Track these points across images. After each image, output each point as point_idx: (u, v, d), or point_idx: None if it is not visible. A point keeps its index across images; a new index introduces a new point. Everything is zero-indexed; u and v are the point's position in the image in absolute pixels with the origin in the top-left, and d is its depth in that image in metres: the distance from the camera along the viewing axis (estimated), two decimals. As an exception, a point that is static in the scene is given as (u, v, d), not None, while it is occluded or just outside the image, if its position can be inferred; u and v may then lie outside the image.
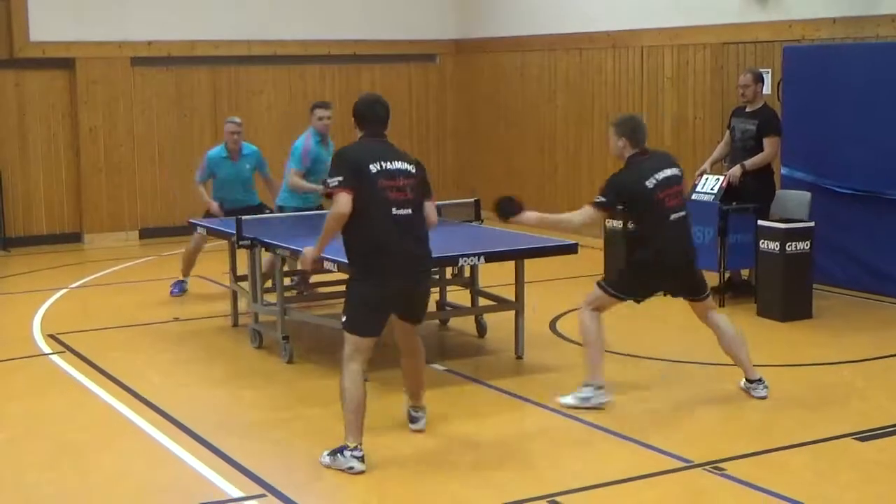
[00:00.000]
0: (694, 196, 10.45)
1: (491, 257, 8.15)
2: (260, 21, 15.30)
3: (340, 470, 6.23)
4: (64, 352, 8.99)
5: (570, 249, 8.55)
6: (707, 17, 12.78)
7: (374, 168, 6.20)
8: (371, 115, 6.45)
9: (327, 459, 6.32)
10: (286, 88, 15.51)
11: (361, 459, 6.22)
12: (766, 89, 11.34)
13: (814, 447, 6.54)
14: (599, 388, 7.30)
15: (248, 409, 7.57)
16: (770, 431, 6.84)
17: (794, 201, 10.15)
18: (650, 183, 7.19)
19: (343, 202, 6.12)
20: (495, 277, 9.70)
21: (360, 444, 6.26)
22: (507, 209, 7.38)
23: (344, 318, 6.33)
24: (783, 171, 10.99)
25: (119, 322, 10.10)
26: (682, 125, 13.23)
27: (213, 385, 8.20)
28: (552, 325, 9.63)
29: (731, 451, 6.44)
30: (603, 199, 7.23)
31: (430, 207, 6.50)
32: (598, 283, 7.48)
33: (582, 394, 7.30)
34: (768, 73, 11.70)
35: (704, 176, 10.50)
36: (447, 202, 11.02)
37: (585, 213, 7.28)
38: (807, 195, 10.15)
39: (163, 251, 13.94)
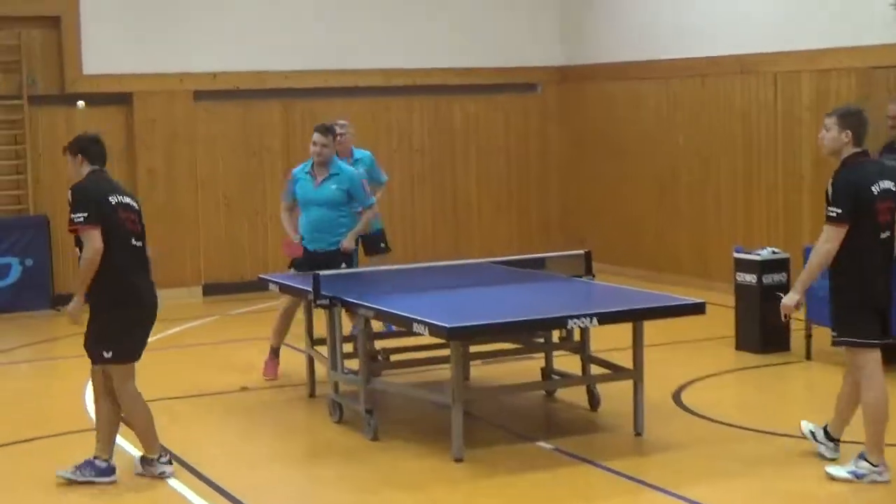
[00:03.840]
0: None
1: (605, 318, 8.08)
2: (337, 49, 15.47)
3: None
4: (119, 425, 9.07)
5: (697, 309, 8.44)
6: (851, 38, 12.62)
7: (113, 200, 7.56)
8: (97, 150, 7.74)
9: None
10: (368, 123, 15.59)
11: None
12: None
13: None
14: (876, 465, 7.24)
15: (328, 492, 7.56)
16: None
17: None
18: (875, 189, 7.12)
19: (95, 238, 7.39)
20: (610, 341, 9.62)
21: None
22: None
23: (110, 353, 7.51)
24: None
25: (179, 391, 10.21)
26: (825, 161, 13.00)
27: (286, 464, 8.21)
28: (676, 397, 9.50)
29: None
30: (839, 211, 7.07)
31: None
32: (837, 341, 7.30)
33: (858, 469, 7.26)
34: (925, 101, 11.50)
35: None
36: (552, 254, 11.03)
37: (828, 238, 7.10)
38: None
39: (229, 310, 14.07)
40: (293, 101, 15.35)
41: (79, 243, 7.51)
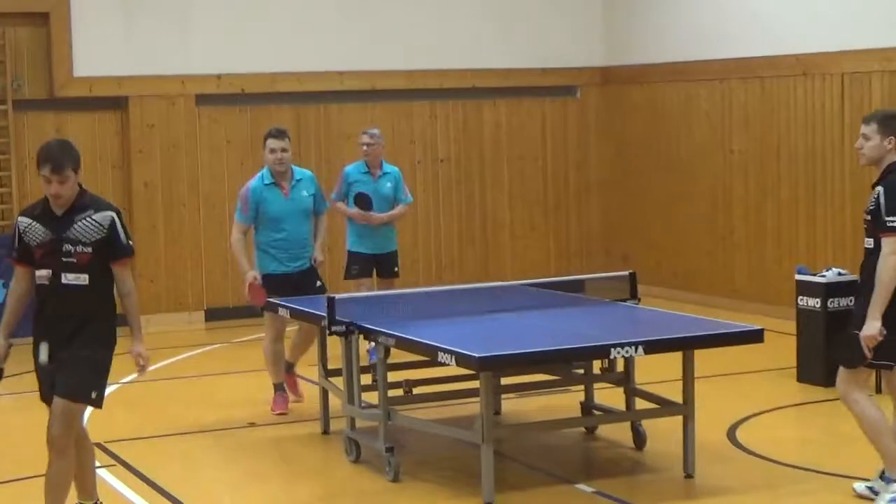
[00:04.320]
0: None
1: (652, 347, 8.07)
2: (355, 48, 15.55)
3: None
4: (114, 465, 9.12)
5: (754, 337, 8.45)
6: (928, 35, 12.63)
7: None
8: None
9: None
10: (388, 130, 15.61)
11: None
12: None
13: None
14: None
15: (343, 540, 7.60)
16: None
17: None
18: None
19: None
20: (657, 372, 9.62)
21: None
22: None
23: (96, 394, 7.15)
24: None
25: (181, 427, 10.23)
26: (897, 173, 13.00)
27: (298, 509, 8.24)
28: (731, 434, 9.50)
29: None
30: None
31: None
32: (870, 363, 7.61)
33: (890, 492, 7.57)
34: None
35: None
36: (593, 275, 11.03)
37: (893, 250, 7.31)
38: None
39: (234, 337, 14.10)
40: (306, 107, 15.43)
41: (86, 269, 7.08)
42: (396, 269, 12.42)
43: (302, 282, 10.34)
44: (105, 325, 7.16)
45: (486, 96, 16.22)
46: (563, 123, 16.61)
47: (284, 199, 10.39)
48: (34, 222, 7.14)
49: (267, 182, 10.42)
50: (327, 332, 9.03)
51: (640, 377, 9.33)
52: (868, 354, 7.45)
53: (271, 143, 10.40)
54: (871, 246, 7.48)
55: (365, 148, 12.20)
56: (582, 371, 9.62)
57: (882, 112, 7.80)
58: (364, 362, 9.44)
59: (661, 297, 14.49)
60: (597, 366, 9.53)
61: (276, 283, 10.28)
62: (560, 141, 16.58)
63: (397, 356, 9.00)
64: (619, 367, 9.34)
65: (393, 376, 9.15)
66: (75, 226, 7.07)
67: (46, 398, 7.17)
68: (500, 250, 16.19)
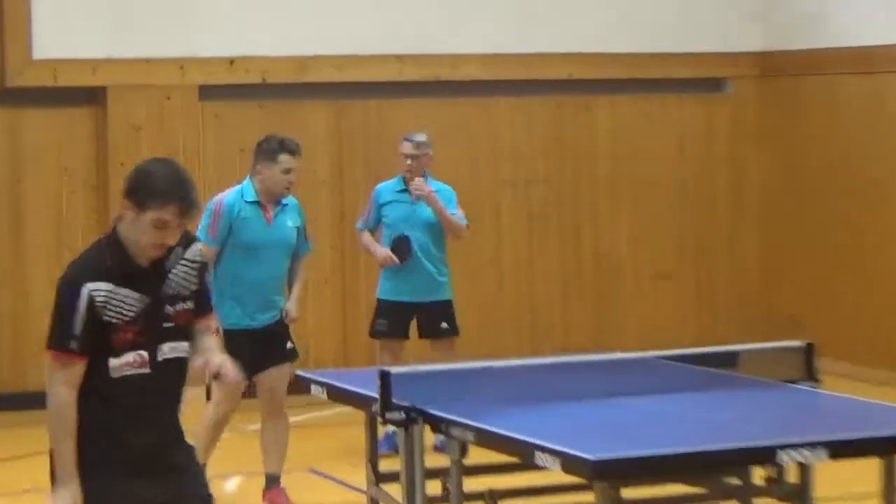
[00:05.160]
0: None
1: (838, 450, 7.97)
2: (416, 26, 15.69)
3: None
4: None
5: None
6: None
7: None
8: None
9: None
10: (459, 134, 15.64)
11: None
12: None
13: None
14: None
15: None
16: None
17: None
18: None
19: None
20: (845, 484, 9.54)
21: None
22: None
23: None
24: None
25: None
26: None
27: None
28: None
29: None
30: None
31: None
32: None
33: None
34: None
35: None
36: (751, 346, 10.93)
37: None
38: None
39: (244, 423, 13.93)
40: (348, 103, 15.55)
41: (187, 334, 6.54)
42: (445, 325, 12.54)
43: (269, 340, 10.74)
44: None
45: (594, 91, 16.27)
46: (707, 131, 16.58)
47: (266, 225, 10.81)
48: (117, 287, 6.34)
49: (249, 199, 10.79)
50: (380, 420, 8.99)
51: (822, 490, 9.24)
52: None
53: (287, 160, 10.79)
54: None
55: (409, 162, 12.50)
56: (738, 481, 9.55)
57: None
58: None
59: (844, 374, 14.35)
60: (758, 475, 9.47)
61: (235, 342, 10.09)
62: (702, 155, 16.59)
63: (477, 456, 8.95)
64: (792, 476, 9.26)
65: (471, 483, 9.12)
66: (171, 275, 6.49)
67: None
68: (618, 307, 16.21)
